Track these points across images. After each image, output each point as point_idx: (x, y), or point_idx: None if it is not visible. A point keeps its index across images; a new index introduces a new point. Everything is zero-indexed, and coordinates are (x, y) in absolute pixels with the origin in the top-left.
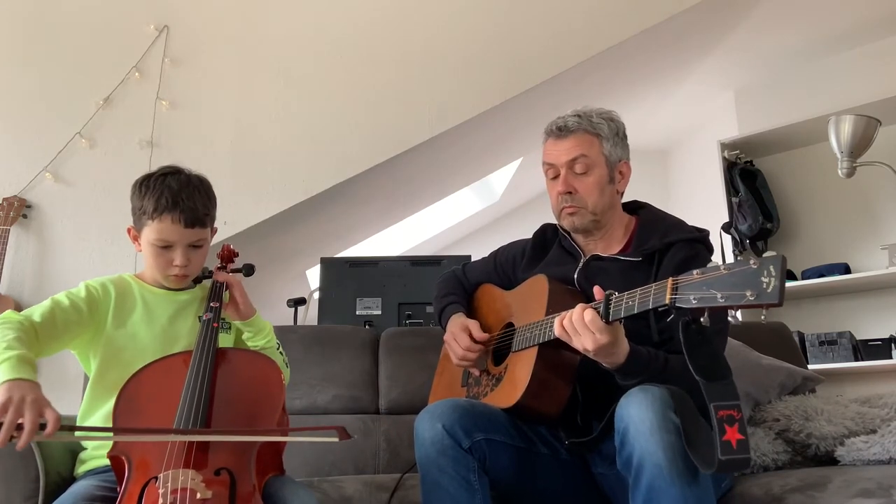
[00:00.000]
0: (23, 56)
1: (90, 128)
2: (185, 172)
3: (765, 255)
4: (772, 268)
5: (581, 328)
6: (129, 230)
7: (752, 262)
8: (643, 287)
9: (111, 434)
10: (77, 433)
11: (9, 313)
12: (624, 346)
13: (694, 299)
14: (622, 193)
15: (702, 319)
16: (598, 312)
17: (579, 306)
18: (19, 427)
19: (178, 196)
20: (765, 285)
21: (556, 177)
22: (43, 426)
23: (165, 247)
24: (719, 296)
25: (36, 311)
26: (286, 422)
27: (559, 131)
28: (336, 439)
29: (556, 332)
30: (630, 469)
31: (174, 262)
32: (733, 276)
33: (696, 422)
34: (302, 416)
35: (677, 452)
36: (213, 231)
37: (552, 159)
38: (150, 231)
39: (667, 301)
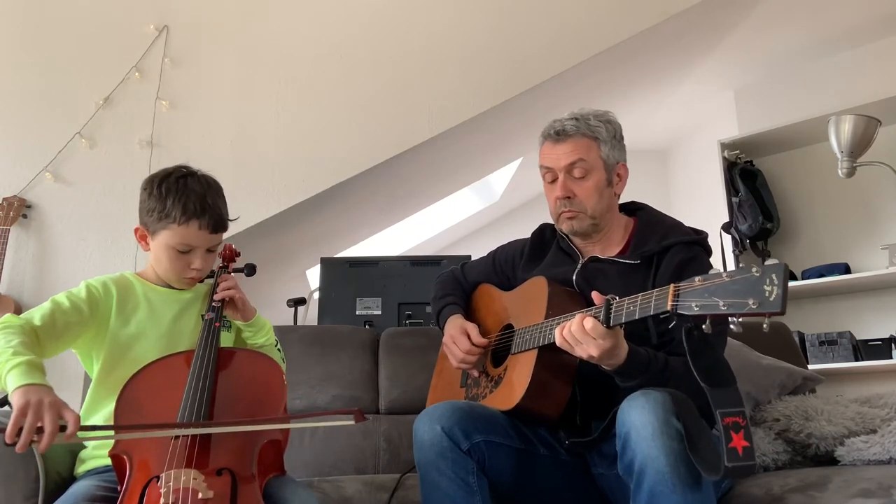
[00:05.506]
0: (23, 56)
1: (90, 128)
2: (199, 173)
3: (767, 262)
4: (774, 276)
5: (583, 337)
6: (136, 230)
7: (754, 269)
8: (644, 293)
9: (131, 432)
10: (98, 432)
11: (9, 317)
12: (624, 348)
13: (696, 306)
14: (619, 196)
15: (703, 326)
16: (599, 318)
17: (578, 315)
18: (39, 430)
19: (204, 201)
20: (767, 293)
21: (553, 181)
22: (63, 428)
23: (185, 251)
24: (721, 303)
25: (36, 314)
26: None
27: (557, 135)
28: (352, 422)
29: (558, 342)
30: (632, 474)
31: (192, 266)
32: (735, 283)
33: (698, 426)
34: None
35: (679, 458)
36: None
37: (550, 163)
38: (172, 235)
39: (668, 308)
